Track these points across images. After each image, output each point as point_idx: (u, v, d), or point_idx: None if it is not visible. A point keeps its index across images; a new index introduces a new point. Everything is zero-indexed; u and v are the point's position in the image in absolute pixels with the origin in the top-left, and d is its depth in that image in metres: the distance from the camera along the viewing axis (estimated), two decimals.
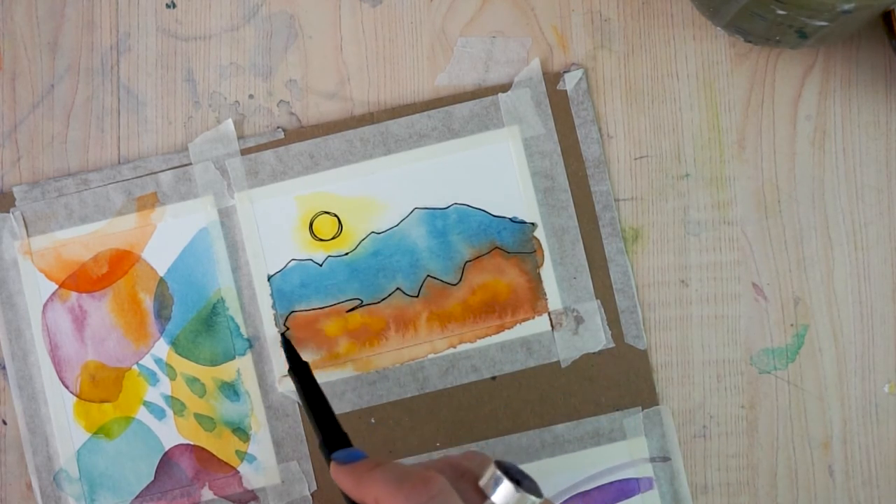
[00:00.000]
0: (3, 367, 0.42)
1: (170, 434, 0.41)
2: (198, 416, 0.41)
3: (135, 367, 0.41)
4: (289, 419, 0.41)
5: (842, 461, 0.41)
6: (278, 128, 0.42)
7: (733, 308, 0.41)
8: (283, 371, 0.41)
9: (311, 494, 0.41)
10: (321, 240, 0.42)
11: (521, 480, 0.30)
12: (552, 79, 0.42)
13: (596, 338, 0.41)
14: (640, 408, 0.41)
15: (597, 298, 0.41)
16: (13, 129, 0.43)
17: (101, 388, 0.41)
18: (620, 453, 0.41)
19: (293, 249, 0.42)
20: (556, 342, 0.41)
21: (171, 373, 0.41)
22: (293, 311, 0.41)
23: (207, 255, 0.42)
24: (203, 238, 0.42)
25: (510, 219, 0.41)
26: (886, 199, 0.41)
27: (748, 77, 0.42)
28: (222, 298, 0.41)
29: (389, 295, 0.41)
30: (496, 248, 0.41)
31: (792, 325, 0.41)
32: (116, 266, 0.42)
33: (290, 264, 0.42)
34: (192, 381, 0.41)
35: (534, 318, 0.41)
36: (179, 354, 0.41)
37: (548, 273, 0.41)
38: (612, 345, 0.41)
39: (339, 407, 0.41)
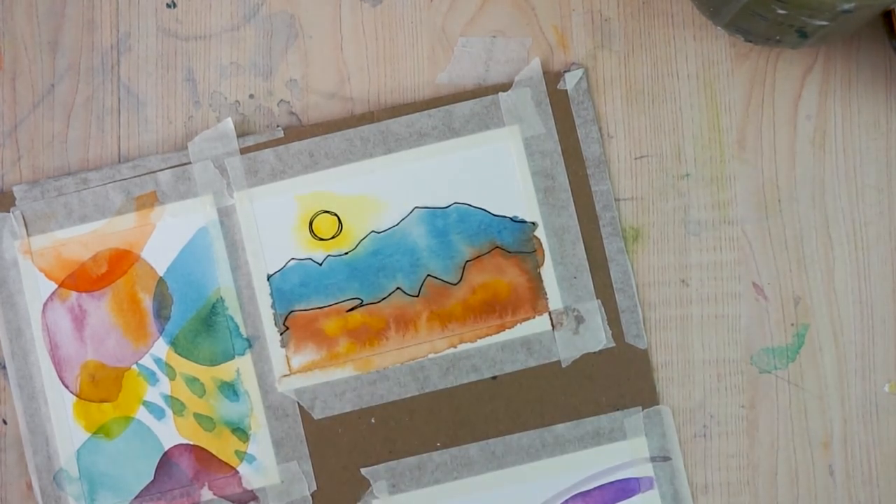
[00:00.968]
0: (3, 367, 0.42)
1: (169, 434, 0.41)
2: (197, 416, 0.41)
3: (134, 366, 0.41)
4: (288, 419, 0.41)
5: (842, 461, 0.41)
6: (278, 126, 0.42)
7: (734, 308, 0.41)
8: (283, 371, 0.41)
9: (311, 495, 0.41)
10: (321, 239, 0.42)
11: None
12: (552, 78, 0.42)
13: (596, 337, 0.41)
14: (640, 407, 0.41)
15: (597, 298, 0.41)
16: (13, 128, 0.43)
17: (101, 387, 0.41)
18: (621, 453, 0.41)
19: (293, 249, 0.42)
20: (557, 342, 0.41)
21: (170, 372, 0.41)
22: (293, 311, 0.41)
23: (207, 255, 0.41)
24: (202, 237, 0.42)
25: (510, 218, 0.41)
26: (886, 199, 0.41)
27: (748, 77, 0.42)
28: (222, 298, 0.41)
29: (389, 294, 0.41)
30: (496, 247, 0.41)
31: (792, 324, 0.41)
32: (116, 265, 0.42)
33: (290, 264, 0.41)
34: (192, 381, 0.41)
35: (534, 317, 0.41)
36: (179, 354, 0.41)
37: (548, 272, 0.41)
38: (612, 344, 0.41)
39: (339, 407, 0.41)
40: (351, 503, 0.41)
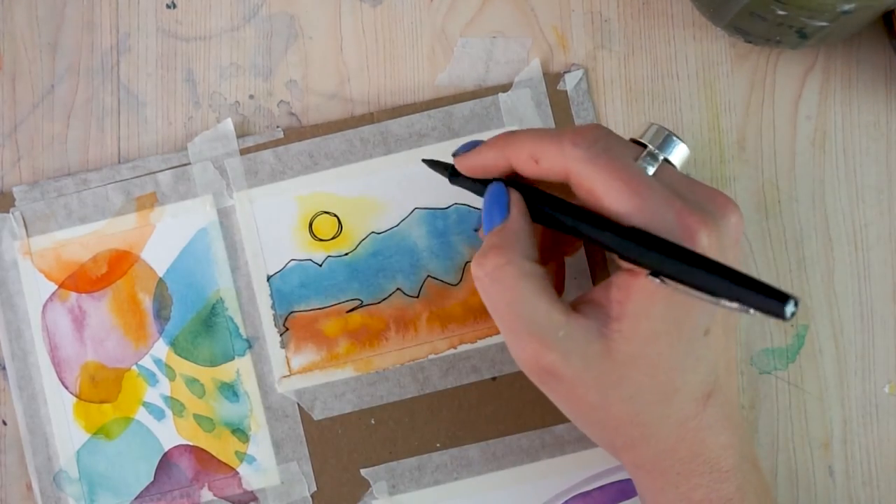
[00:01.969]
0: (3, 368, 0.42)
1: (169, 435, 0.41)
2: (197, 417, 0.41)
3: (134, 367, 0.41)
4: (288, 420, 0.41)
5: (842, 461, 0.41)
6: (278, 127, 0.42)
7: None
8: (283, 371, 0.41)
9: (311, 495, 0.41)
10: (321, 240, 0.42)
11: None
12: (552, 79, 0.42)
13: None
14: None
15: None
16: (13, 129, 0.43)
17: (101, 388, 0.41)
18: None
19: (293, 249, 0.41)
20: None
21: (170, 373, 0.41)
22: (293, 312, 0.41)
23: (206, 256, 0.41)
24: (202, 238, 0.42)
25: None
26: (887, 200, 0.41)
27: (748, 77, 0.42)
28: (221, 299, 0.41)
29: (389, 295, 0.41)
30: None
31: (792, 325, 0.41)
32: (116, 266, 0.42)
33: (290, 264, 0.41)
34: (192, 382, 0.41)
35: None
36: (178, 355, 0.41)
37: None
38: None
39: (338, 408, 0.41)
40: None
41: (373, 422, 0.41)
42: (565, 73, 0.42)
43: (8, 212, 0.42)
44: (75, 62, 0.43)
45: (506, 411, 0.41)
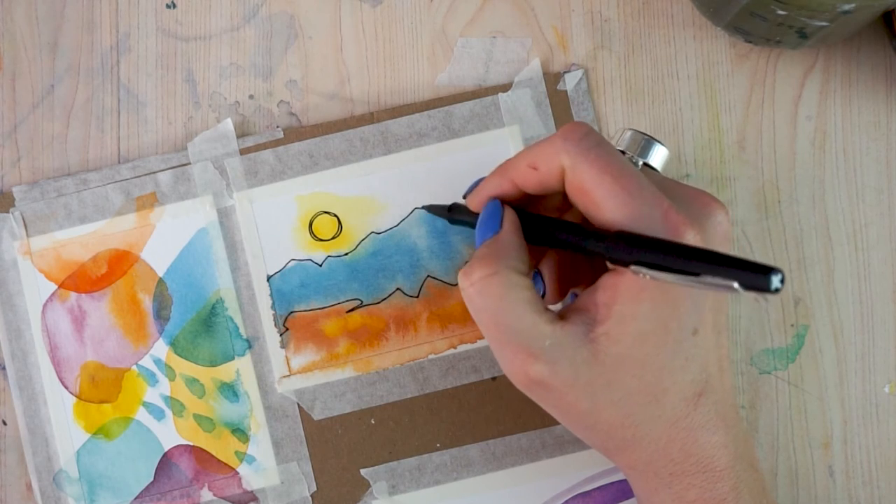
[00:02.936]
0: (3, 368, 0.42)
1: (169, 435, 0.41)
2: (197, 417, 0.41)
3: (134, 367, 0.41)
4: (288, 420, 0.41)
5: (842, 462, 0.41)
6: (278, 127, 0.42)
7: (733, 308, 0.41)
8: (283, 371, 0.41)
9: (311, 495, 0.41)
10: (321, 240, 0.42)
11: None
12: (552, 79, 0.42)
13: None
14: None
15: None
16: (13, 129, 0.43)
17: (101, 388, 0.41)
18: None
19: (293, 249, 0.41)
20: None
21: (170, 373, 0.41)
22: (293, 312, 0.41)
23: (206, 256, 0.41)
24: (202, 238, 0.42)
25: None
26: (887, 200, 0.41)
27: (748, 77, 0.42)
28: (221, 299, 0.41)
29: (389, 295, 0.41)
30: None
31: (792, 325, 0.41)
32: (116, 266, 0.42)
33: (290, 264, 0.41)
34: (192, 382, 0.41)
35: None
36: (178, 355, 0.41)
37: None
38: None
39: (338, 408, 0.41)
40: None
41: (373, 422, 0.41)
42: (565, 73, 0.42)
43: (8, 212, 0.42)
44: (75, 62, 0.43)
45: (506, 411, 0.41)
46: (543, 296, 0.34)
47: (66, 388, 0.41)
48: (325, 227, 0.42)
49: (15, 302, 0.41)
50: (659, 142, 0.34)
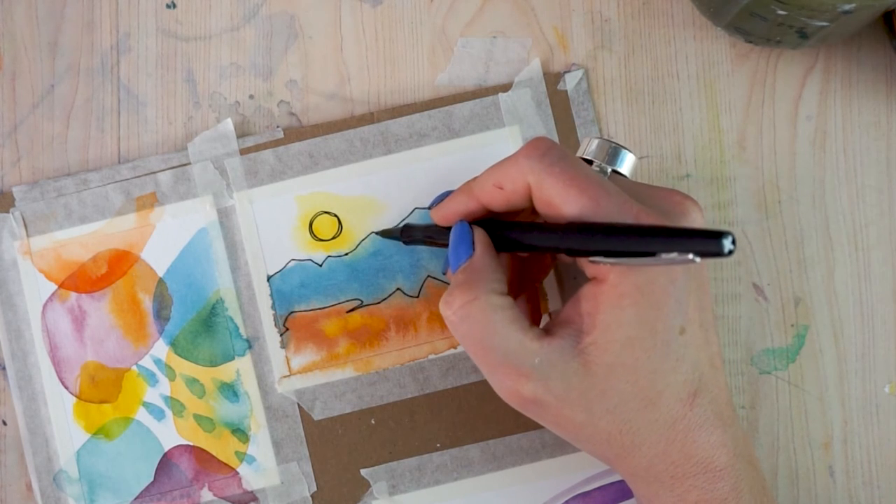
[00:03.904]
0: (3, 368, 0.42)
1: (169, 435, 0.41)
2: (197, 417, 0.41)
3: (134, 367, 0.41)
4: (288, 420, 0.41)
5: (842, 462, 0.41)
6: (278, 127, 0.42)
7: (733, 308, 0.41)
8: (283, 372, 0.41)
9: (311, 496, 0.41)
10: (321, 240, 0.42)
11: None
12: (552, 79, 0.42)
13: None
14: None
15: None
16: (13, 129, 0.43)
17: (101, 388, 0.41)
18: None
19: (293, 249, 0.41)
20: None
21: (170, 373, 0.41)
22: (293, 312, 0.41)
23: (206, 256, 0.41)
24: (202, 238, 0.42)
25: None
26: (887, 200, 0.41)
27: (748, 77, 0.42)
28: (221, 299, 0.41)
29: (390, 295, 0.41)
30: None
31: (792, 325, 0.41)
32: (116, 266, 0.42)
33: (290, 264, 0.41)
34: (192, 382, 0.41)
35: None
36: (178, 355, 0.41)
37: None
38: None
39: (339, 408, 0.41)
40: None
41: (373, 422, 0.41)
42: (565, 73, 0.42)
43: (8, 212, 0.42)
44: (75, 62, 0.43)
45: (506, 411, 0.41)
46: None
47: (66, 388, 0.41)
48: (326, 227, 0.42)
49: (15, 302, 0.41)
50: (626, 148, 0.34)
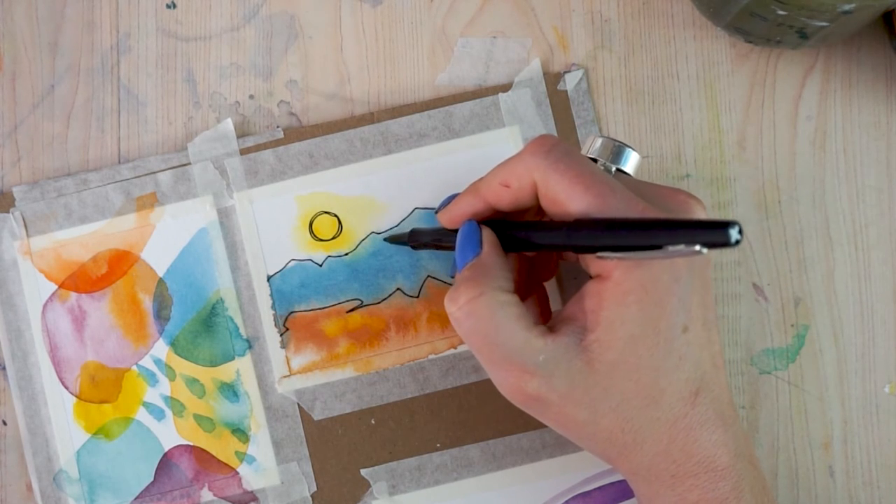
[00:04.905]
0: (3, 368, 0.42)
1: (169, 435, 0.41)
2: (197, 417, 0.41)
3: (134, 367, 0.41)
4: (288, 420, 0.41)
5: (842, 462, 0.41)
6: (278, 127, 0.42)
7: (733, 308, 0.41)
8: (283, 372, 0.41)
9: (311, 496, 0.41)
10: (321, 240, 0.42)
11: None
12: (552, 79, 0.42)
13: None
14: None
15: None
16: (13, 129, 0.43)
17: (101, 388, 0.41)
18: None
19: (293, 249, 0.41)
20: None
21: (170, 373, 0.41)
22: (293, 312, 0.41)
23: (206, 256, 0.41)
24: (202, 238, 0.42)
25: None
26: (887, 200, 0.41)
27: (748, 77, 0.42)
28: (221, 299, 0.41)
29: (390, 295, 0.41)
30: None
31: (792, 325, 0.41)
32: (116, 266, 0.42)
33: (290, 264, 0.41)
34: (192, 382, 0.41)
35: None
36: (178, 355, 0.41)
37: None
38: None
39: (339, 408, 0.41)
40: None
41: (373, 422, 0.41)
42: (565, 73, 0.42)
43: (8, 212, 0.42)
44: (75, 62, 0.43)
45: (506, 411, 0.41)
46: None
47: (67, 388, 0.41)
48: (326, 227, 0.42)
49: (15, 302, 0.41)
50: (630, 147, 0.34)
